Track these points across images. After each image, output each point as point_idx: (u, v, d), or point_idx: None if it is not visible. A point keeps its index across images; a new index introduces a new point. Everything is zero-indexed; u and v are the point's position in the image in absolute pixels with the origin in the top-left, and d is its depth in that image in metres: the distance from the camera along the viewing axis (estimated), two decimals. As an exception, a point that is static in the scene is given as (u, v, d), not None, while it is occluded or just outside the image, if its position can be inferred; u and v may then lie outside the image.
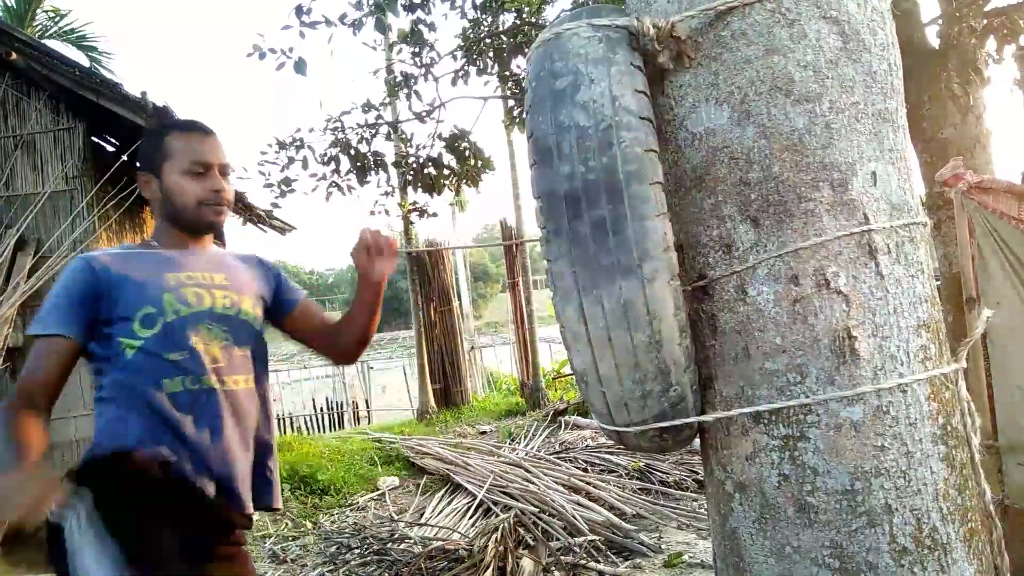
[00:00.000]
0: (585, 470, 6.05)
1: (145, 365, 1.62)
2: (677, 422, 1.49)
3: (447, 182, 6.83)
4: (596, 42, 1.48)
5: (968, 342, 1.56)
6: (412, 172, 6.80)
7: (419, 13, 5.81)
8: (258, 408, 1.77)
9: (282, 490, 6.37)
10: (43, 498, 1.36)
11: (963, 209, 2.51)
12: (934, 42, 4.20)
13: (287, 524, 5.78)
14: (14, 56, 4.95)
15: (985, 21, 4.16)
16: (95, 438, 1.64)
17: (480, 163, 6.77)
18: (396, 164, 6.94)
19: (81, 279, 1.64)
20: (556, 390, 11.29)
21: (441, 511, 5.59)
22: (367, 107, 6.43)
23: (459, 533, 4.85)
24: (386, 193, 7.08)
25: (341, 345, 1.94)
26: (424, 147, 6.81)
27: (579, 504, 5.01)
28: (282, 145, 6.31)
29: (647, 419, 1.48)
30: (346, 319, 1.92)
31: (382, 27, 5.90)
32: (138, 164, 1.81)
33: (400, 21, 6.79)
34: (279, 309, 1.92)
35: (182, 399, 1.62)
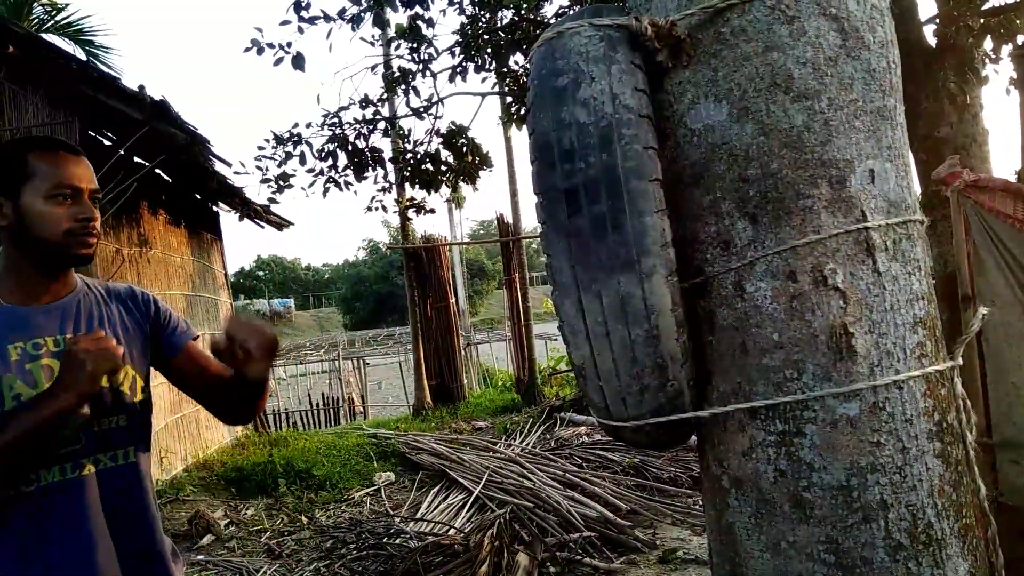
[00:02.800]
0: (580, 466, 6.06)
1: None
2: (674, 417, 1.50)
3: (444, 178, 6.81)
4: (597, 41, 1.50)
5: (964, 339, 1.57)
6: (409, 168, 6.79)
7: (417, 9, 5.79)
8: (131, 492, 1.51)
9: (278, 485, 6.40)
10: (106, 359, 1.34)
11: (959, 207, 2.52)
12: (931, 41, 4.21)
13: (283, 519, 5.78)
14: (11, 49, 4.93)
15: (982, 20, 4.17)
16: None
17: (478, 159, 6.76)
18: (393, 160, 6.93)
19: None
20: (552, 386, 11.31)
21: (437, 507, 5.60)
22: (365, 103, 6.42)
23: (455, 528, 4.86)
24: (383, 189, 7.06)
25: (227, 410, 1.69)
26: (422, 143, 6.80)
27: (574, 500, 5.03)
28: (279, 140, 6.29)
29: (644, 413, 1.50)
30: (229, 391, 1.61)
31: (381, 23, 5.90)
32: None
33: (398, 17, 6.79)
34: (160, 354, 1.62)
35: (41, 497, 1.38)
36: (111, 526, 1.46)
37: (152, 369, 1.64)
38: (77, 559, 1.40)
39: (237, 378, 1.54)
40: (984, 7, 4.19)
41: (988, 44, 4.32)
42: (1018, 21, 4.09)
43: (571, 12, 5.63)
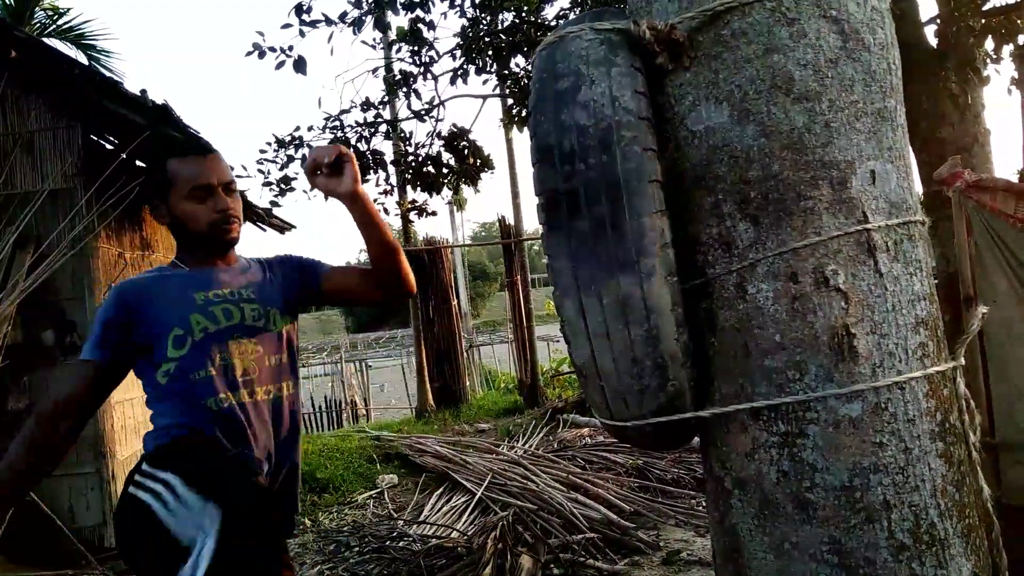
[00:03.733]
0: (583, 468, 6.05)
1: (177, 387, 1.70)
2: (675, 417, 1.50)
3: (446, 181, 6.83)
4: (597, 44, 1.51)
5: (965, 339, 1.58)
6: (411, 171, 6.81)
7: (418, 12, 5.81)
8: (289, 416, 1.82)
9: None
10: None
11: (961, 208, 2.53)
12: (932, 41, 4.21)
13: (286, 522, 5.78)
14: (13, 54, 4.94)
15: (983, 21, 4.17)
16: (154, 435, 1.74)
17: (479, 162, 6.78)
18: (395, 163, 6.95)
19: (112, 309, 1.72)
20: (554, 388, 11.30)
21: (440, 509, 5.59)
22: (366, 106, 6.43)
23: (458, 531, 4.85)
24: (385, 192, 7.07)
25: (380, 283, 1.92)
26: (423, 146, 6.81)
27: (577, 502, 5.02)
28: (281, 143, 6.31)
29: (645, 414, 1.50)
30: (370, 258, 1.90)
31: (382, 26, 5.91)
32: (148, 193, 1.87)
33: (399, 20, 6.80)
34: (312, 291, 1.95)
35: (217, 415, 1.69)
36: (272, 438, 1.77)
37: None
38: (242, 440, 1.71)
39: (359, 229, 1.83)
40: (985, 7, 4.20)
41: (989, 44, 4.33)
42: (1019, 21, 4.09)
43: (572, 14, 5.65)
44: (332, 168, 1.75)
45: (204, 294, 1.75)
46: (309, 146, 6.34)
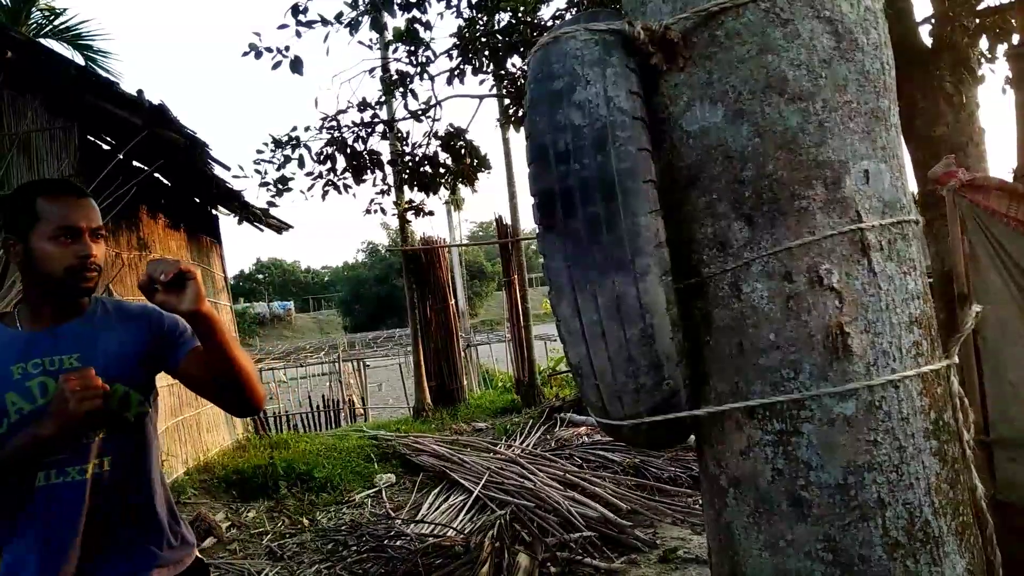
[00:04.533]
0: (580, 467, 6.07)
1: None
2: (670, 415, 1.51)
3: (443, 181, 6.83)
4: (592, 45, 1.52)
5: (959, 337, 1.58)
6: (408, 171, 6.81)
7: (415, 12, 5.81)
8: (133, 489, 1.69)
9: (279, 487, 6.41)
10: (87, 399, 1.48)
11: (955, 207, 2.53)
12: (927, 41, 4.22)
13: (284, 521, 5.79)
14: (9, 54, 4.94)
15: (978, 20, 4.18)
16: None
17: (476, 162, 6.78)
18: (392, 163, 6.95)
19: None
20: (551, 387, 11.31)
21: (437, 508, 5.60)
22: (363, 106, 6.43)
23: (455, 530, 4.86)
24: (382, 192, 7.07)
25: (226, 399, 1.77)
26: (420, 146, 6.81)
27: (575, 500, 5.03)
28: (278, 144, 6.31)
29: (641, 412, 1.51)
30: (212, 377, 1.71)
31: (379, 26, 5.91)
32: (3, 228, 1.69)
33: (396, 20, 6.80)
34: (166, 361, 1.76)
35: (38, 496, 1.58)
36: (102, 525, 1.64)
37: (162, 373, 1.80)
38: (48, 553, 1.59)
39: (205, 351, 1.65)
40: (980, 7, 4.21)
41: (984, 43, 4.34)
42: (1013, 20, 4.10)
43: (568, 14, 5.65)
44: (172, 284, 1.52)
45: (23, 365, 1.61)
46: (306, 146, 6.34)
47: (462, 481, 5.96)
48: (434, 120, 6.67)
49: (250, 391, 1.71)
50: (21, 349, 1.63)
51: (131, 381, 1.69)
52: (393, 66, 6.42)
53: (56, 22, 9.35)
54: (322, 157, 6.38)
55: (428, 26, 5.91)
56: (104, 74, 8.46)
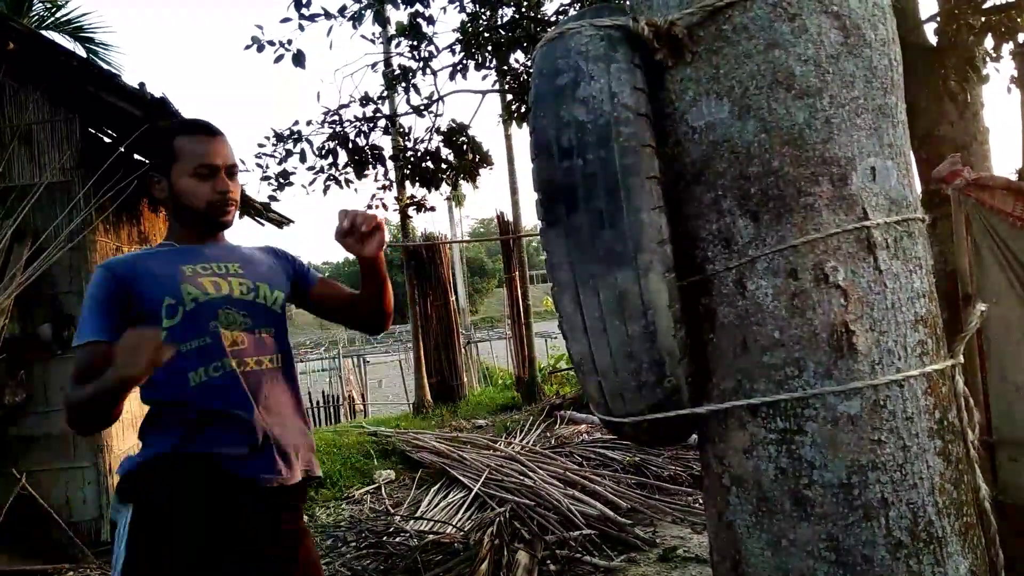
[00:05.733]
0: (580, 465, 6.05)
1: (168, 364, 1.64)
2: (671, 413, 1.50)
3: (444, 176, 6.81)
4: (597, 40, 1.51)
5: (964, 336, 1.57)
6: (410, 166, 6.79)
7: (418, 6, 5.79)
8: (285, 388, 1.81)
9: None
10: (154, 349, 1.51)
11: (960, 206, 2.52)
12: (932, 39, 4.20)
13: (283, 517, 5.78)
14: (11, 46, 4.93)
15: (983, 19, 4.16)
16: (141, 444, 1.72)
17: (478, 158, 6.76)
18: (394, 158, 6.93)
19: (103, 285, 1.69)
20: (552, 385, 11.30)
21: (437, 505, 5.59)
22: (365, 100, 6.41)
23: (454, 527, 4.85)
24: (384, 187, 7.05)
25: (363, 316, 2.00)
26: (422, 141, 6.80)
27: (574, 498, 5.02)
28: (280, 138, 6.29)
29: (643, 409, 1.50)
30: (360, 296, 1.97)
31: (382, 20, 5.89)
32: (148, 165, 1.86)
33: (399, 14, 6.78)
34: (300, 289, 1.98)
35: (208, 384, 1.67)
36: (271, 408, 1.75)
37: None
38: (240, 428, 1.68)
39: (363, 279, 1.90)
40: (985, 5, 4.19)
41: (989, 42, 4.32)
42: (1019, 19, 4.08)
43: (572, 9, 5.63)
44: (365, 234, 1.78)
45: (192, 267, 1.75)
46: (308, 140, 6.32)
47: (462, 478, 5.95)
48: (436, 115, 6.66)
49: (390, 314, 2.00)
50: (187, 254, 1.78)
51: (273, 286, 1.86)
52: (396, 60, 6.41)
53: (58, 14, 9.35)
54: (324, 152, 6.36)
55: (431, 20, 5.89)
56: (106, 66, 8.44)
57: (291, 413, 1.80)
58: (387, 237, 1.82)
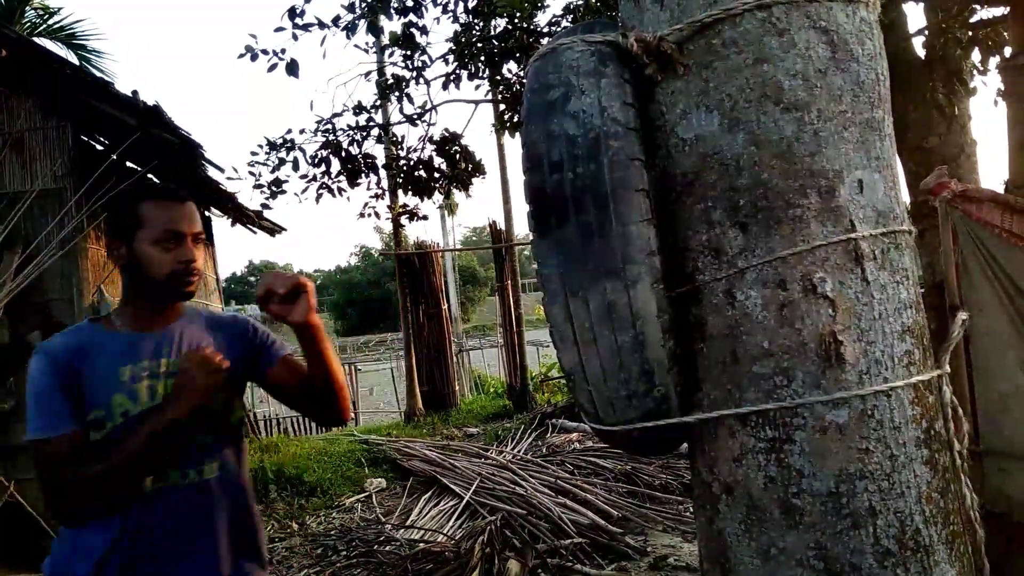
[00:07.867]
0: (572, 473, 6.06)
1: None
2: (661, 422, 1.52)
3: (437, 185, 6.83)
4: (588, 56, 1.54)
5: (948, 346, 1.59)
6: (402, 175, 6.81)
7: (411, 17, 5.81)
8: (233, 496, 1.70)
9: (269, 491, 6.38)
10: (212, 373, 1.54)
11: (947, 218, 2.55)
12: (920, 53, 4.24)
13: (273, 525, 5.77)
14: (3, 53, 4.92)
15: (970, 33, 4.21)
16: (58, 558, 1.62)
17: (471, 167, 6.78)
18: (387, 167, 6.94)
19: (54, 374, 1.57)
20: (544, 393, 11.31)
21: (427, 513, 5.59)
22: (358, 109, 6.42)
23: (445, 535, 4.85)
24: (376, 195, 7.07)
25: (313, 402, 1.82)
26: (415, 150, 6.82)
27: (565, 507, 5.03)
28: (272, 146, 6.30)
29: (633, 418, 1.51)
30: (307, 377, 1.78)
31: (375, 30, 5.91)
32: (108, 230, 1.74)
33: (392, 24, 6.80)
34: (261, 368, 1.80)
35: (145, 501, 1.58)
36: (208, 532, 1.64)
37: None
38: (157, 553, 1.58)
39: (303, 354, 1.72)
40: (972, 20, 4.24)
41: (976, 56, 4.37)
42: (1005, 33, 4.13)
43: (564, 21, 5.66)
44: (287, 297, 1.61)
45: (131, 368, 1.62)
46: (301, 149, 6.33)
47: (453, 486, 5.94)
48: (429, 124, 6.68)
49: (341, 400, 1.78)
50: (127, 351, 1.64)
51: (231, 386, 1.73)
52: (389, 70, 6.43)
53: (50, 21, 9.31)
54: (316, 160, 6.37)
55: (424, 30, 5.91)
56: (98, 74, 8.43)
57: (232, 526, 1.69)
58: (314, 301, 1.64)
